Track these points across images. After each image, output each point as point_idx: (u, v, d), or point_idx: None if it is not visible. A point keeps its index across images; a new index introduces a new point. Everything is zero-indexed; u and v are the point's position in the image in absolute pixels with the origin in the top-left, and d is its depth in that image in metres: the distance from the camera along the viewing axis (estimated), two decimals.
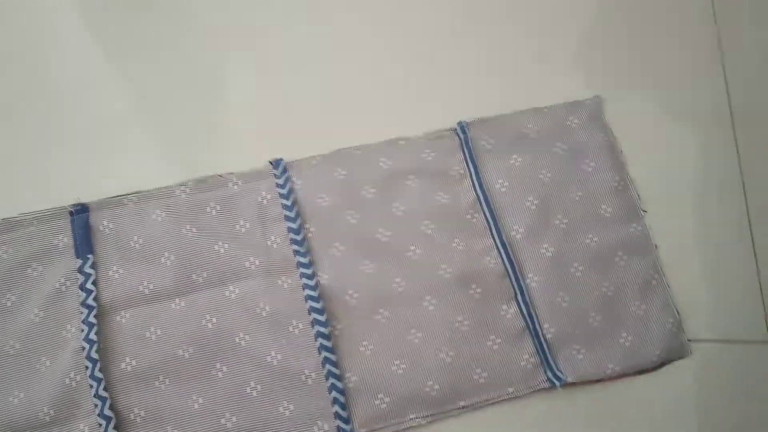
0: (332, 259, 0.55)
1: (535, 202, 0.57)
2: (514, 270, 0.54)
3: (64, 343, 0.51)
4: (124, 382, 0.51)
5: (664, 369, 0.53)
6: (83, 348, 0.51)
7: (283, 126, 0.60)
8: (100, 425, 0.49)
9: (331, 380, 0.51)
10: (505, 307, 0.54)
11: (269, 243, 0.55)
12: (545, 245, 0.56)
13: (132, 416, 0.50)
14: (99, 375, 0.50)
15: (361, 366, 0.52)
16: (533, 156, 0.59)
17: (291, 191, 0.56)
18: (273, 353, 0.52)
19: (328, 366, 0.51)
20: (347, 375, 0.52)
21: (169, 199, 0.56)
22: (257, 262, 0.54)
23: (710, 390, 0.52)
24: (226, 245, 0.55)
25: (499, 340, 0.53)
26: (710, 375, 0.52)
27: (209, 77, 0.61)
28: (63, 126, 0.60)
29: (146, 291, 0.53)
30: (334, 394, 0.51)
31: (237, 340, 0.52)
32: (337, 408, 0.50)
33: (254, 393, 0.51)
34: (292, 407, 0.50)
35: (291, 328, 0.53)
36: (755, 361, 0.53)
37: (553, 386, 0.52)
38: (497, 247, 0.55)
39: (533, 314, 0.53)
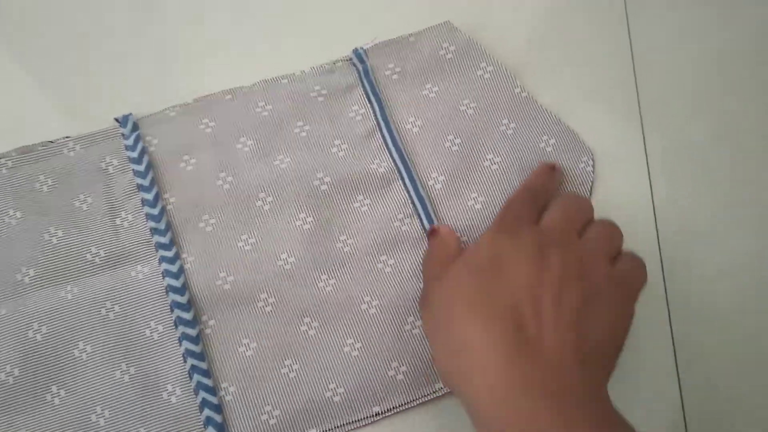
0: (201, 235, 0.42)
1: (457, 141, 0.44)
2: None
3: None
4: None
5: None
6: None
7: (130, 72, 0.46)
8: None
9: (202, 395, 0.39)
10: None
11: (118, 222, 0.42)
12: (473, 195, 0.43)
13: None
14: None
15: (241, 372, 0.40)
16: (452, 83, 0.45)
17: (143, 153, 0.43)
18: (124, 366, 0.40)
19: (197, 376, 0.39)
20: (223, 386, 0.39)
21: None
22: (102, 252, 0.41)
23: None
24: (60, 231, 0.42)
25: (419, 323, 0.40)
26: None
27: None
28: None
29: None
30: (207, 412, 0.38)
31: (77, 353, 0.40)
32: (211, 430, 0.37)
33: (101, 421, 0.39)
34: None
35: (148, 332, 0.40)
36: None
37: None
38: (412, 203, 0.42)
39: None
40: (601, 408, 0.31)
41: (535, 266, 0.33)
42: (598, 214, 0.40)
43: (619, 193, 0.44)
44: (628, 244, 0.39)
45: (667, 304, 0.42)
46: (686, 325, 0.42)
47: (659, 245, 0.43)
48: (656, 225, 0.44)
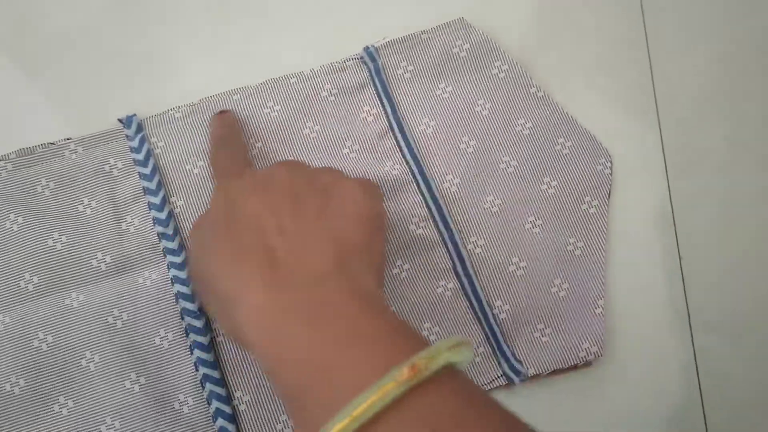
0: None
1: (472, 142, 0.43)
2: (450, 234, 0.41)
3: None
4: None
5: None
6: None
7: (132, 71, 0.45)
8: None
9: (216, 404, 0.38)
10: (442, 283, 0.40)
11: (124, 226, 0.41)
12: (489, 198, 0.42)
13: None
14: None
15: (254, 381, 0.39)
16: (466, 82, 0.44)
17: (149, 155, 0.42)
18: (134, 376, 0.38)
19: (209, 386, 0.38)
20: (237, 395, 0.38)
21: None
22: (108, 259, 0.40)
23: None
24: (64, 237, 0.41)
25: (436, 329, 0.40)
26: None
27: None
28: None
29: None
30: (220, 422, 0.37)
31: (84, 362, 0.39)
32: None
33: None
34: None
35: (158, 340, 0.39)
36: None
37: (510, 382, 0.39)
38: (426, 206, 0.41)
39: (478, 290, 0.40)
40: (364, 314, 0.29)
41: (263, 194, 0.33)
42: (615, 219, 0.40)
43: (638, 198, 0.44)
44: (648, 249, 0.38)
45: (687, 308, 0.41)
46: (706, 330, 0.41)
47: (678, 250, 0.43)
48: (675, 229, 0.43)
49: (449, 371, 0.26)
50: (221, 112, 0.42)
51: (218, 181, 0.39)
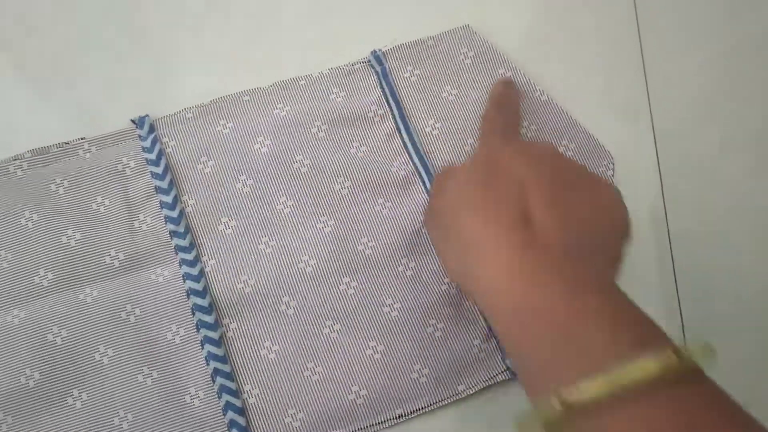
0: (220, 238, 0.42)
1: (476, 144, 0.44)
2: None
3: None
4: None
5: None
6: None
7: (145, 74, 0.46)
8: None
9: (225, 398, 0.38)
10: (447, 280, 0.41)
11: (137, 224, 0.42)
12: None
13: None
14: None
15: (263, 375, 0.40)
16: (471, 87, 0.45)
17: (161, 155, 0.43)
18: (146, 370, 0.39)
19: (219, 379, 0.39)
20: (246, 388, 0.39)
21: (2, 178, 0.42)
22: (121, 255, 0.41)
23: None
24: (78, 234, 0.41)
25: (441, 325, 0.40)
26: None
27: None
28: None
29: None
30: (230, 415, 0.38)
31: (98, 356, 0.40)
32: None
33: (125, 425, 0.39)
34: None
35: (170, 335, 0.40)
36: None
37: (514, 377, 0.40)
38: None
39: None
40: (615, 296, 0.29)
41: (529, 161, 0.33)
42: None
43: (632, 198, 0.45)
44: (642, 248, 0.40)
45: (679, 305, 0.43)
46: (699, 326, 0.43)
47: (671, 250, 0.44)
48: (668, 229, 0.44)
49: (699, 371, 0.26)
50: (509, 80, 0.44)
51: (484, 138, 0.40)
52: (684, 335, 0.42)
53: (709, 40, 0.48)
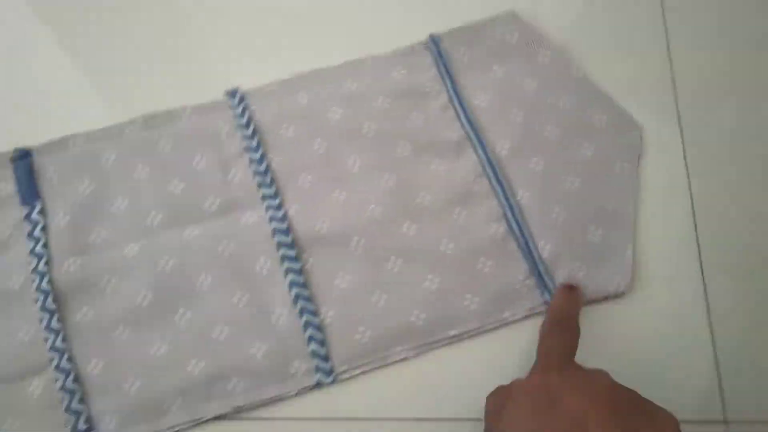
0: (300, 190, 0.50)
1: (521, 114, 0.51)
2: (502, 188, 0.49)
3: (14, 296, 0.46)
4: (80, 333, 0.46)
5: None
6: (36, 300, 0.45)
7: (236, 53, 0.55)
8: (57, 379, 0.44)
9: (306, 317, 0.46)
10: (495, 226, 0.48)
11: (229, 177, 0.50)
12: (535, 159, 0.50)
13: (90, 368, 0.45)
14: (56, 326, 0.45)
15: (337, 300, 0.47)
16: (515, 66, 0.53)
17: (250, 121, 0.51)
18: (239, 294, 0.47)
19: (301, 302, 0.46)
20: (323, 310, 0.46)
21: (119, 139, 0.51)
22: (217, 202, 0.49)
23: None
24: (182, 184, 0.50)
25: (489, 263, 0.47)
26: None
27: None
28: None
29: (98, 239, 0.48)
30: (309, 331, 0.45)
31: (199, 282, 0.47)
32: (314, 346, 0.45)
33: (221, 337, 0.46)
34: (264, 348, 0.45)
35: (258, 267, 0.48)
36: None
37: None
38: (482, 166, 0.50)
39: (525, 233, 0.48)
40: None
41: (584, 397, 0.34)
42: (641, 186, 0.49)
43: (657, 185, 0.51)
44: (667, 235, 0.48)
45: (705, 295, 0.49)
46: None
47: (698, 239, 0.50)
48: (694, 217, 0.51)
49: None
50: (571, 287, 0.45)
51: (542, 361, 0.40)
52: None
53: (735, 27, 0.54)
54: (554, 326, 0.42)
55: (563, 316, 0.42)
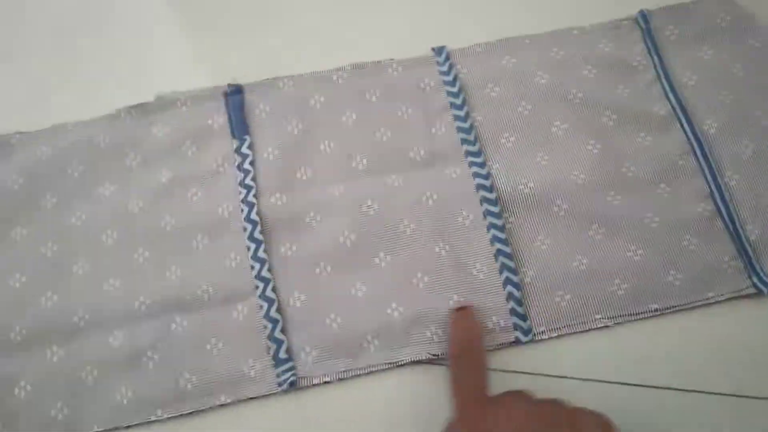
0: (503, 149, 0.50)
1: (730, 96, 0.50)
2: (709, 167, 0.48)
3: (223, 223, 0.48)
4: (284, 266, 0.47)
5: None
6: (245, 229, 0.47)
7: (440, 14, 0.56)
8: (261, 307, 0.45)
9: (506, 274, 0.46)
10: (702, 205, 0.48)
11: (433, 131, 0.51)
12: (744, 142, 0.49)
13: (292, 301, 0.46)
14: (263, 256, 0.47)
15: (537, 261, 0.47)
16: (725, 49, 0.52)
17: (456, 78, 0.52)
18: (441, 244, 0.47)
19: (501, 259, 0.46)
20: (522, 270, 0.47)
21: (327, 84, 0.53)
22: (422, 152, 0.50)
23: None
24: (388, 133, 0.51)
25: (695, 240, 0.47)
26: None
27: None
28: (219, 8, 0.56)
29: (304, 177, 0.50)
30: (509, 288, 0.46)
31: (401, 228, 0.48)
32: (512, 304, 0.45)
33: (420, 284, 0.47)
34: (462, 301, 0.45)
35: (461, 219, 0.48)
36: None
37: (759, 292, 0.45)
38: (689, 142, 0.49)
39: (733, 214, 0.47)
40: None
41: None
42: None
43: None
44: None
45: None
46: None
47: None
48: None
49: None
50: (463, 308, 0.43)
51: (459, 407, 0.38)
52: None
53: None
54: (458, 361, 0.40)
55: (464, 348, 0.41)
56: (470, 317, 0.43)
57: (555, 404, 0.36)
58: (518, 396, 0.37)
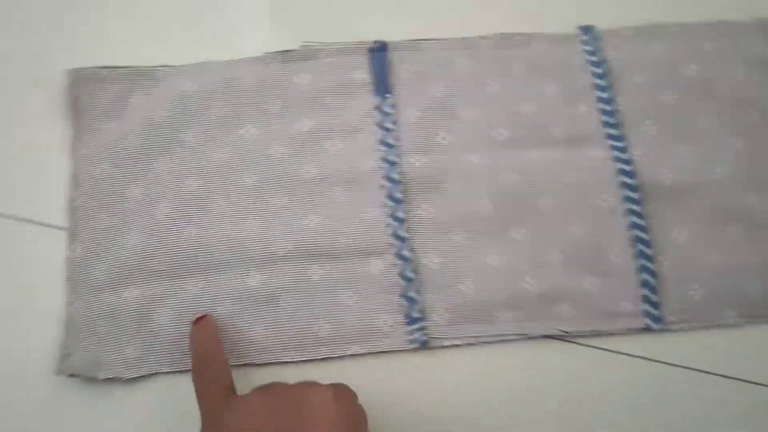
0: (644, 137, 0.50)
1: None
2: None
3: (362, 178, 0.49)
4: (421, 227, 0.48)
5: None
6: (383, 186, 0.47)
7: None
8: (396, 265, 0.46)
9: (642, 261, 0.46)
10: None
11: (576, 110, 0.50)
12: None
13: (427, 262, 0.46)
14: (401, 215, 0.47)
15: (673, 252, 0.47)
16: None
17: (603, 60, 0.51)
18: (579, 224, 0.47)
19: (638, 245, 0.47)
20: (659, 258, 0.47)
21: (472, 51, 0.52)
22: (563, 130, 0.50)
23: None
24: (530, 107, 0.50)
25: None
26: None
27: None
28: None
29: (444, 141, 0.50)
30: (643, 275, 0.46)
31: (539, 204, 0.48)
32: (646, 291, 0.46)
33: (555, 260, 0.47)
34: (596, 282, 0.46)
35: (599, 201, 0.48)
36: None
37: None
38: None
39: None
40: None
41: (254, 421, 0.36)
42: None
43: None
44: None
45: None
46: None
47: None
48: None
49: None
50: (199, 318, 0.44)
51: (206, 410, 0.38)
52: None
53: None
54: (202, 364, 0.40)
55: (206, 353, 0.41)
56: (208, 328, 0.43)
57: (284, 386, 0.38)
58: (262, 389, 0.38)
